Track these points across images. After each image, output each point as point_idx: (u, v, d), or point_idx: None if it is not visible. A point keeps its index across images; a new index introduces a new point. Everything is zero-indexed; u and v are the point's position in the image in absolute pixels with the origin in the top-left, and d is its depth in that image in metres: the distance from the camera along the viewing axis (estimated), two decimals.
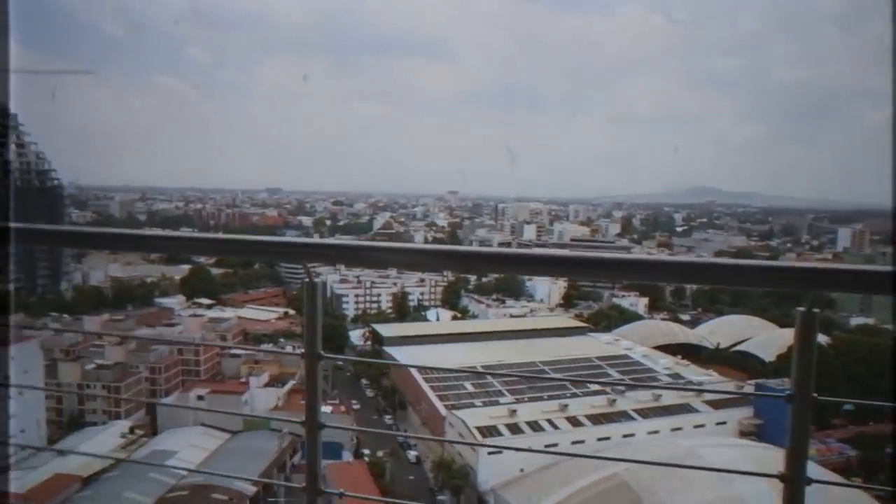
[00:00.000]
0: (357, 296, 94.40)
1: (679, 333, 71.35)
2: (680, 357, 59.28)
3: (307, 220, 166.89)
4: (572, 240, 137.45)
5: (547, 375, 51.57)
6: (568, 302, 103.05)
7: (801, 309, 1.74)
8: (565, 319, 78.63)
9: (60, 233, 2.68)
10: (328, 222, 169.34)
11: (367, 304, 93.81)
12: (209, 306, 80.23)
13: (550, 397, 46.37)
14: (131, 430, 42.83)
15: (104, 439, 41.63)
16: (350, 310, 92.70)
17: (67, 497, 32.37)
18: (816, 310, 1.74)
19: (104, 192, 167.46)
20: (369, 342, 68.38)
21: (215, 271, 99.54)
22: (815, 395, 1.72)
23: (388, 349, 60.23)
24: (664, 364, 55.24)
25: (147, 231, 2.79)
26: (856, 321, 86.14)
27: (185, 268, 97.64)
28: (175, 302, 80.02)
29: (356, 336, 72.86)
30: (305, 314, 2.02)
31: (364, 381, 60.35)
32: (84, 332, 61.23)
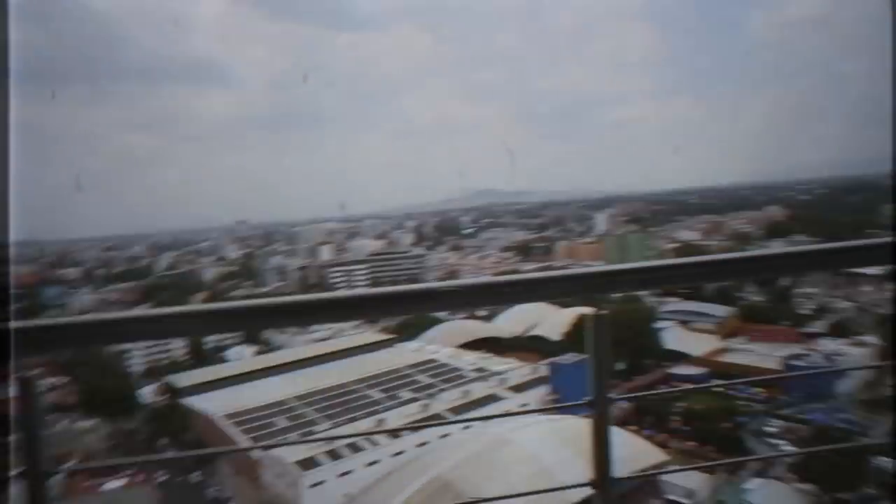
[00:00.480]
0: (145, 347, 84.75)
1: (478, 329, 75.90)
2: (483, 351, 63.03)
3: (74, 272, 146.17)
4: (370, 255, 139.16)
5: (358, 394, 51.34)
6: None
7: (594, 313, 1.78)
8: (372, 335, 79.01)
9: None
10: (100, 271, 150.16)
11: (158, 356, 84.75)
12: None
13: (367, 415, 46.13)
14: None
15: None
16: (138, 364, 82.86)
17: None
18: (605, 312, 1.81)
19: None
20: (165, 396, 61.74)
21: None
22: (611, 395, 1.77)
23: (189, 400, 55.00)
24: (469, 360, 58.25)
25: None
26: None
27: None
28: None
29: (149, 392, 65.39)
30: None
31: (163, 441, 54.25)
32: None
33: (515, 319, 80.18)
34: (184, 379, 62.18)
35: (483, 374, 53.42)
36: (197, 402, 54.17)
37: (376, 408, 47.66)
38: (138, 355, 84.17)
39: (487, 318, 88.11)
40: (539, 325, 73.67)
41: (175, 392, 60.03)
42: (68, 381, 73.04)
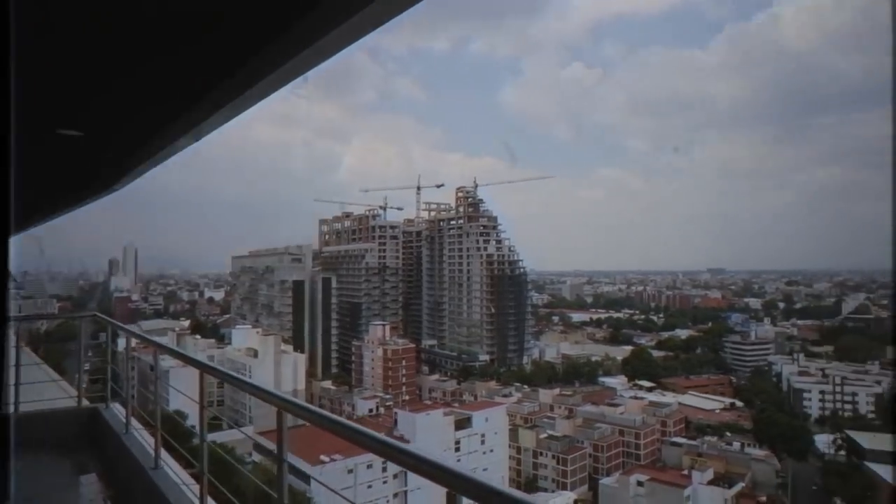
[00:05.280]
0: (823, 392, 79.55)
1: None
2: None
3: (755, 302, 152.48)
4: None
5: None
6: None
7: None
8: None
9: None
10: (781, 305, 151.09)
11: (839, 404, 77.89)
12: (650, 389, 79.70)
13: None
14: (574, 503, 44.64)
15: None
16: (813, 409, 78.53)
17: None
18: None
19: (558, 276, 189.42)
20: (842, 453, 56.07)
21: (656, 353, 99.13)
22: None
23: (873, 466, 48.01)
24: None
25: None
26: None
27: (627, 349, 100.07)
28: (617, 382, 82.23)
29: (822, 442, 60.92)
30: None
31: (837, 502, 49.28)
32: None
33: None
34: (868, 440, 54.76)
35: None
36: (882, 471, 46.65)
37: None
38: (815, 398, 79.71)
39: None
40: None
41: (856, 451, 53.58)
42: (743, 405, 76.35)
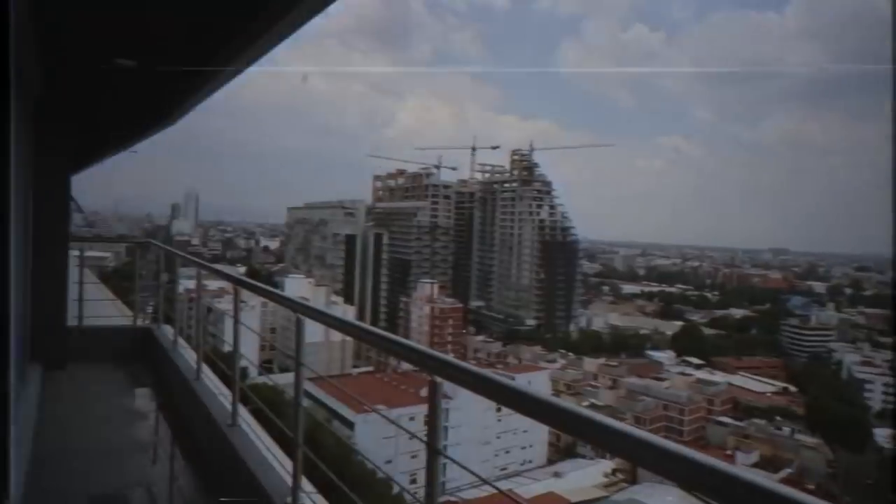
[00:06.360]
0: (887, 385, 75.99)
1: None
2: None
3: (819, 286, 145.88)
4: None
5: None
6: None
7: None
8: None
9: None
10: (847, 291, 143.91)
11: None
12: (698, 366, 78.04)
13: None
14: (613, 472, 44.57)
15: (590, 473, 44.53)
16: (876, 401, 75.15)
17: None
18: None
19: (610, 246, 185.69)
20: None
21: (708, 331, 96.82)
22: None
23: None
24: None
25: None
26: None
27: (678, 324, 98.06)
28: (665, 357, 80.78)
29: (882, 436, 58.50)
30: None
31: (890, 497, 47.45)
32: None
33: None
34: None
35: None
36: None
37: None
38: (878, 390, 76.26)
39: None
40: None
41: None
42: (796, 391, 73.89)
